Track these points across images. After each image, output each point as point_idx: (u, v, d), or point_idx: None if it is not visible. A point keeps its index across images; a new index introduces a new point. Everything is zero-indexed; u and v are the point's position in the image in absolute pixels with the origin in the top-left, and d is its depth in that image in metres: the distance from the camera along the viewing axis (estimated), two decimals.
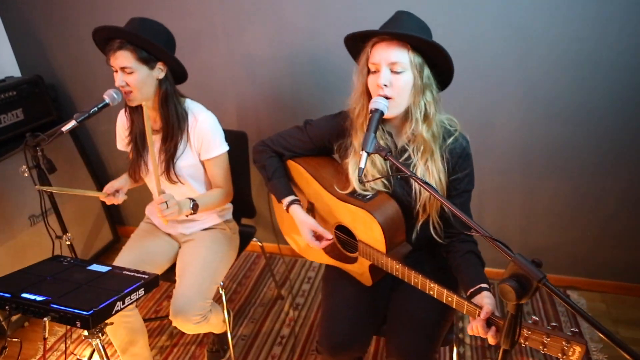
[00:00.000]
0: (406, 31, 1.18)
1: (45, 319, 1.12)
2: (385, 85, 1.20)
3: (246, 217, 2.06)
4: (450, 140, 1.30)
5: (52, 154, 2.28)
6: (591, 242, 2.17)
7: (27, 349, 2.11)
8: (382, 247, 1.30)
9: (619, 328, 2.05)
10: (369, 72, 1.26)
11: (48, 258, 1.42)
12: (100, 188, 2.64)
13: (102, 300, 1.14)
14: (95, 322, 1.10)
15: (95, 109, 1.44)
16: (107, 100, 1.47)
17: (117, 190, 1.65)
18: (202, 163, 1.70)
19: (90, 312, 1.08)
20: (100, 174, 2.73)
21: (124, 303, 1.18)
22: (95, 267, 1.37)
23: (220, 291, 1.77)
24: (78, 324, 1.09)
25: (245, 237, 1.97)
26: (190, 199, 1.56)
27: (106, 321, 1.18)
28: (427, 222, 1.35)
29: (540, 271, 0.84)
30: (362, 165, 1.12)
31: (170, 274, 1.78)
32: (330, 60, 2.09)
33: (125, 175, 1.75)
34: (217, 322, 1.76)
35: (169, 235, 1.84)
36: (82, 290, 1.21)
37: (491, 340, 1.04)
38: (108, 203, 1.64)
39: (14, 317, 2.13)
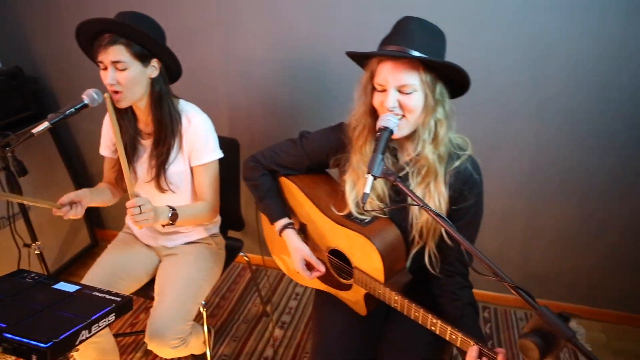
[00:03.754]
0: (417, 45, 1.06)
1: None
2: (394, 108, 1.09)
3: (233, 229, 1.93)
4: (457, 163, 1.17)
5: (29, 153, 2.12)
6: (593, 270, 2.08)
7: None
8: (380, 275, 1.20)
9: None
10: (373, 89, 1.14)
11: (9, 273, 1.27)
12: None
13: (65, 329, 0.99)
14: (54, 355, 0.96)
15: (72, 110, 1.29)
16: (87, 100, 1.33)
17: (73, 202, 1.40)
18: (192, 170, 1.57)
19: (48, 344, 0.94)
20: (80, 175, 2.56)
21: (90, 332, 1.05)
22: (61, 285, 1.22)
23: (202, 310, 1.64)
24: (34, 357, 0.95)
25: (231, 252, 1.83)
26: (169, 207, 1.41)
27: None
28: (422, 252, 1.23)
29: (569, 328, 0.73)
30: (367, 190, 0.98)
31: (148, 289, 1.64)
32: (333, 68, 1.96)
33: (90, 188, 1.55)
34: (197, 345, 1.62)
35: (150, 247, 1.71)
36: (43, 316, 1.06)
37: None
38: (65, 217, 1.39)
39: None
